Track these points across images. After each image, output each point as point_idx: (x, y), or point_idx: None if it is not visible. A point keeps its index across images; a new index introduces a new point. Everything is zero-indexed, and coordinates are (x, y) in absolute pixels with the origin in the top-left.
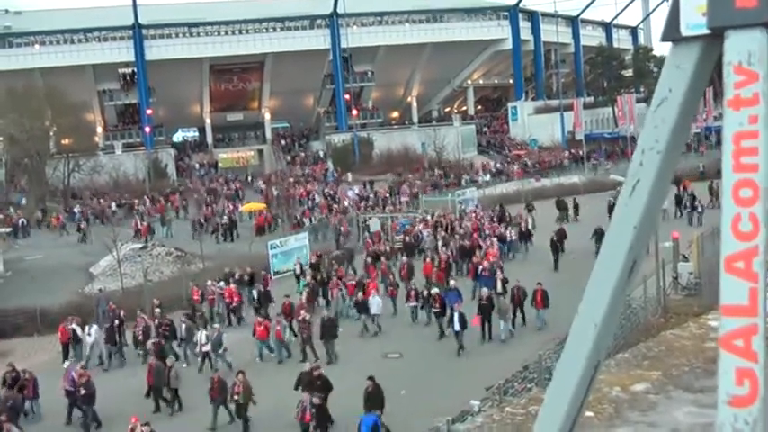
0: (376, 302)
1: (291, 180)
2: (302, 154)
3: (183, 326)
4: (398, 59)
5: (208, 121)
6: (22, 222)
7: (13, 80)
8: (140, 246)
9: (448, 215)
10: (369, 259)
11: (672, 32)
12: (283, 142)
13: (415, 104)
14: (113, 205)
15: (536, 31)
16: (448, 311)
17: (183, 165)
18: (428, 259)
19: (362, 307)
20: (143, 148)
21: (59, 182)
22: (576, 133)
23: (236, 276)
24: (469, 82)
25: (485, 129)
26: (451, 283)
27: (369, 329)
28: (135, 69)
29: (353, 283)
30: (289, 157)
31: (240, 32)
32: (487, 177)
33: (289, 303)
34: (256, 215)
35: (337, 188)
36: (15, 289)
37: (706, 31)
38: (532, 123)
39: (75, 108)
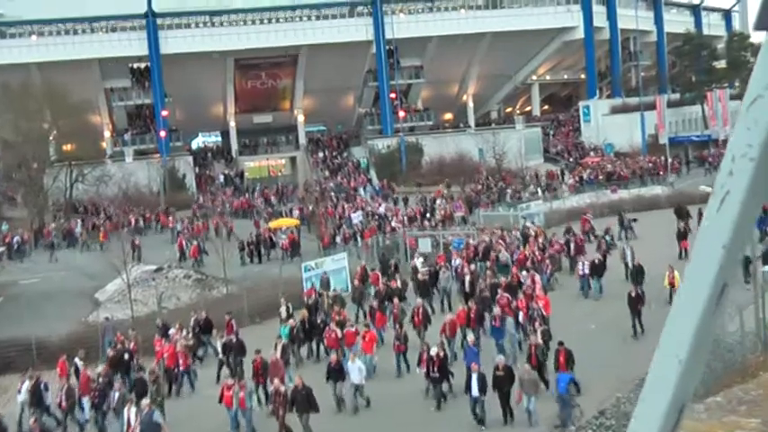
0: (357, 368)
1: (316, 196)
2: (336, 161)
3: (116, 394)
4: (452, 52)
5: (232, 123)
6: (17, 241)
7: (7, 76)
8: (154, 268)
9: (540, 231)
10: (375, 301)
11: (767, 19)
12: (321, 155)
13: (471, 104)
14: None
15: (612, 16)
16: (457, 373)
17: (203, 175)
18: (460, 306)
19: (337, 373)
20: (157, 155)
21: (60, 193)
22: (658, 136)
23: (191, 323)
24: (534, 78)
25: (551, 132)
26: (469, 338)
27: (346, 405)
28: (148, 64)
29: (354, 330)
30: (327, 172)
31: (270, 22)
32: (539, 192)
33: (260, 361)
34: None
35: (382, 202)
36: (6, 317)
37: None
38: (607, 125)
39: (79, 109)
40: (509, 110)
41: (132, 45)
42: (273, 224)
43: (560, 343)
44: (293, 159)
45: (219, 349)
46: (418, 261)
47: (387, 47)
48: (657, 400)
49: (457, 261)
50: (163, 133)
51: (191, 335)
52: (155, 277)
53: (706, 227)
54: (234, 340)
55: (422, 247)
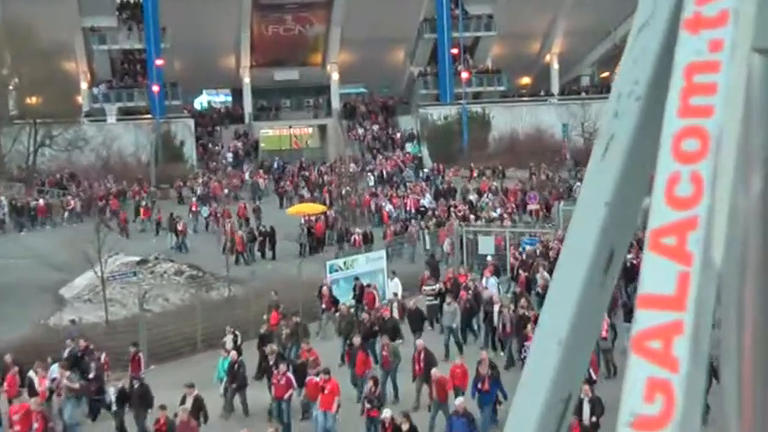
0: None
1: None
2: (375, 128)
3: None
4: None
5: (246, 80)
6: None
7: None
8: (137, 259)
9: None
10: (356, 338)
11: None
12: (361, 131)
13: (555, 66)
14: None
15: None
16: None
17: (207, 143)
18: (458, 359)
19: None
20: (148, 116)
21: (22, 159)
22: None
23: (65, 357)
24: None
25: None
26: (457, 401)
27: None
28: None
29: (320, 379)
30: (368, 153)
31: None
32: None
33: (165, 421)
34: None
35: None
36: None
37: None
38: None
39: (49, 53)
40: (605, 75)
41: None
42: (292, 210)
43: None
44: (323, 128)
45: (113, 398)
46: (392, 284)
47: None
48: (537, 389)
49: (490, 280)
50: (156, 88)
51: (91, 374)
52: (137, 271)
53: (587, 181)
54: (136, 385)
55: (483, 247)
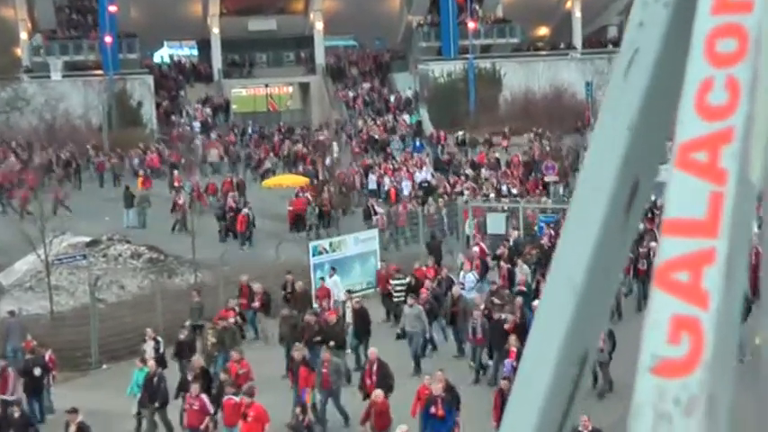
0: None
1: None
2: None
3: None
4: None
5: (215, 30)
6: None
7: None
8: (87, 240)
9: None
10: (297, 351)
11: None
12: (351, 94)
13: (577, 15)
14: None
15: None
16: None
17: (170, 110)
18: (427, 378)
19: None
20: (100, 72)
21: None
22: None
23: None
24: None
25: None
26: (399, 430)
27: None
28: None
29: (240, 401)
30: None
31: None
32: None
33: None
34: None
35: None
36: None
37: None
38: None
39: None
40: None
41: None
42: (269, 183)
43: None
44: (305, 87)
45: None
46: (331, 281)
47: None
48: (548, 347)
49: (468, 276)
50: (109, 39)
51: None
52: (87, 254)
53: (607, 102)
54: (15, 414)
55: (492, 226)
